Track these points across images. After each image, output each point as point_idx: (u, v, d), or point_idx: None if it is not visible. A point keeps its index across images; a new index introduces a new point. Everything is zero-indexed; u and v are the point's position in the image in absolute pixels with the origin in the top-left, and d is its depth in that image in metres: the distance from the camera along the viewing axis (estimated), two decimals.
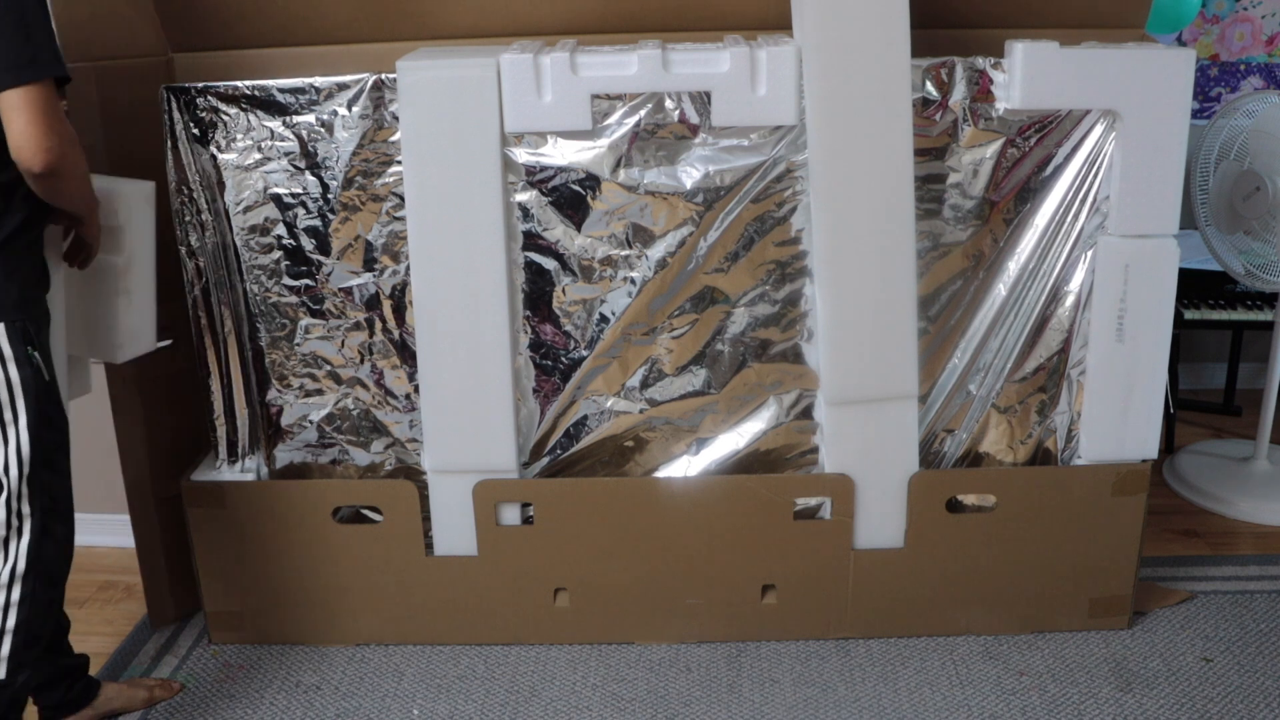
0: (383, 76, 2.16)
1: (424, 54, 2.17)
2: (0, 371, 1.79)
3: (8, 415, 1.80)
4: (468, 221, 2.17)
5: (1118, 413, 2.30)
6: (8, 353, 1.79)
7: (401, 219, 2.24)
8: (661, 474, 2.39)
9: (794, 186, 2.20)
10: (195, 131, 2.21)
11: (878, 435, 2.28)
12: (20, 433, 1.81)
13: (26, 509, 1.84)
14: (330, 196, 2.24)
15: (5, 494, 1.82)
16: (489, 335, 2.23)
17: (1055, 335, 2.31)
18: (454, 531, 2.35)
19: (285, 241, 2.27)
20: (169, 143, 2.22)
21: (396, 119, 2.17)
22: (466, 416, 2.28)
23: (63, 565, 1.93)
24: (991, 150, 2.19)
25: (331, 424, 2.39)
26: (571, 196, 2.21)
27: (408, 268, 2.26)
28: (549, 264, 2.25)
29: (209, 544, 2.38)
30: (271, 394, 2.38)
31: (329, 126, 2.19)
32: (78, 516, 2.88)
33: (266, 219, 2.26)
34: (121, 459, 2.43)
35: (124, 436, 2.42)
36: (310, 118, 2.19)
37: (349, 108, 2.18)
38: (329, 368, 2.35)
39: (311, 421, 2.39)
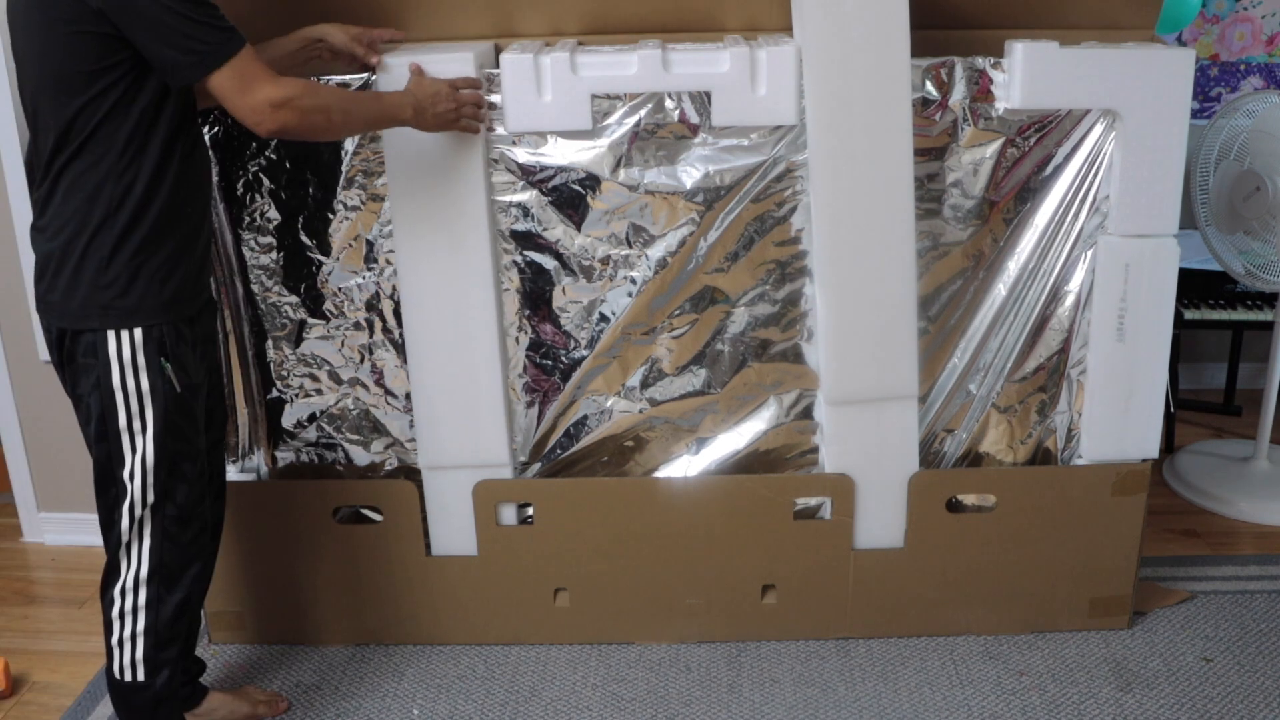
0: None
1: (406, 50, 2.17)
2: (132, 379, 1.77)
3: (136, 425, 1.79)
4: (452, 216, 2.17)
5: (1118, 412, 2.30)
6: (140, 361, 1.77)
7: None
8: (661, 474, 2.38)
9: (794, 186, 2.20)
10: None
11: (878, 435, 2.28)
12: (147, 443, 1.80)
13: (148, 516, 1.83)
14: (330, 196, 2.24)
15: (129, 500, 1.81)
16: (478, 331, 2.23)
17: (1055, 335, 2.31)
18: (450, 530, 2.36)
19: (285, 241, 2.27)
20: None
21: None
22: (458, 411, 2.28)
23: (188, 569, 1.91)
24: (991, 150, 2.19)
25: (332, 424, 2.39)
26: (571, 196, 2.21)
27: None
28: (549, 264, 2.25)
29: None
30: (272, 394, 2.38)
31: None
32: (80, 516, 2.92)
33: (266, 219, 2.26)
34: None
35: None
36: None
37: None
38: (329, 368, 2.35)
39: (312, 421, 2.39)
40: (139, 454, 1.80)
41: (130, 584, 1.85)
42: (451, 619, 2.44)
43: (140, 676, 1.86)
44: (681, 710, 2.26)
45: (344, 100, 1.85)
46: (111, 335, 1.75)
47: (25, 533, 3.02)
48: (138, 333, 1.76)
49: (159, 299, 1.78)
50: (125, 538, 1.84)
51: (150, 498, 1.82)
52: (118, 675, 1.88)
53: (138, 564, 1.84)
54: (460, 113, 2.04)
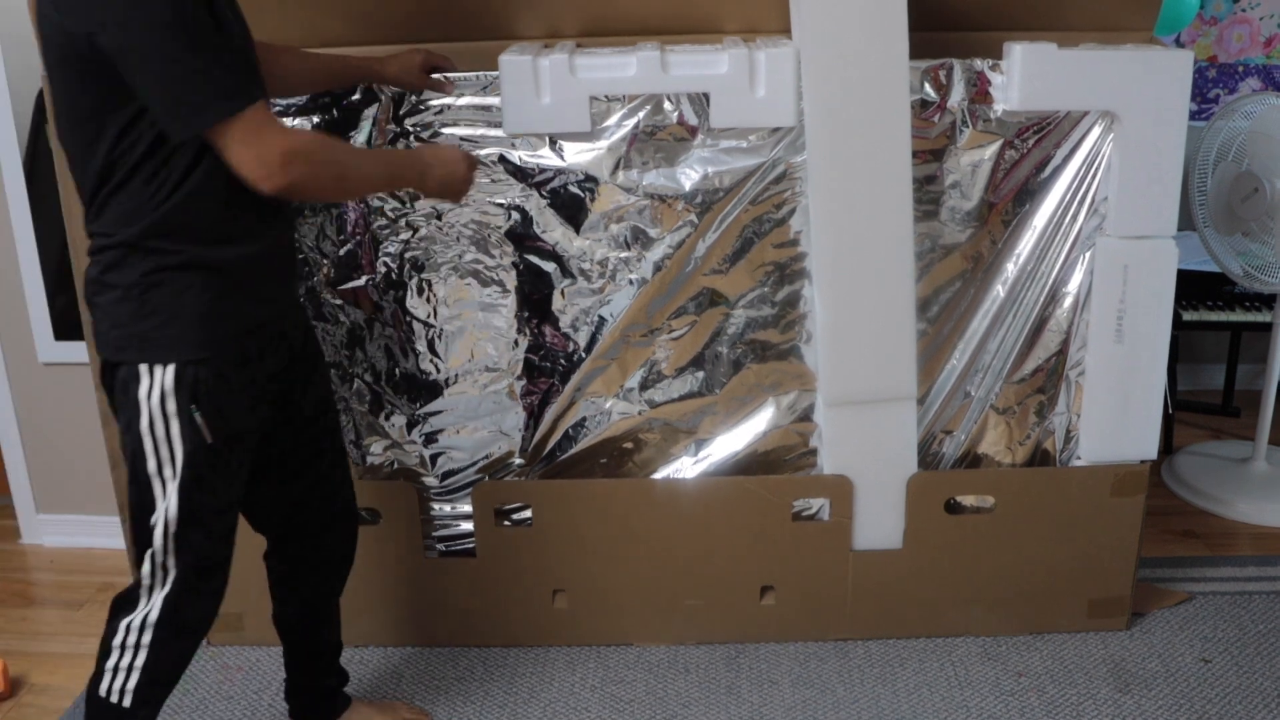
0: None
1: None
2: (161, 426, 1.66)
3: (167, 472, 1.68)
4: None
5: (1116, 414, 2.30)
6: (170, 407, 1.65)
7: (401, 220, 2.24)
8: (660, 475, 2.39)
9: (793, 188, 2.20)
10: None
11: (876, 436, 2.29)
12: (172, 493, 1.69)
13: (171, 563, 1.75)
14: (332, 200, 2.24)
15: (153, 548, 1.73)
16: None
17: (1054, 336, 2.31)
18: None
19: None
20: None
21: (400, 121, 2.18)
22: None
23: (203, 621, 1.83)
24: (990, 152, 2.19)
25: None
26: (570, 198, 2.21)
27: (409, 269, 2.26)
28: (548, 266, 2.25)
29: None
30: None
31: (330, 127, 2.19)
32: (79, 518, 2.92)
33: None
34: (111, 466, 2.43)
35: (114, 443, 2.40)
36: (312, 119, 2.19)
37: (351, 108, 2.18)
38: (330, 369, 2.35)
39: None
40: (166, 503, 1.71)
41: (139, 623, 1.77)
42: (450, 620, 2.44)
43: (125, 704, 1.79)
44: (680, 711, 2.26)
45: (356, 158, 1.73)
46: (145, 372, 1.64)
47: (24, 534, 3.01)
48: (169, 371, 1.64)
49: (203, 334, 1.65)
50: (147, 582, 1.77)
51: (172, 545, 1.74)
52: (102, 694, 1.81)
53: (150, 609, 1.77)
54: (463, 191, 1.88)
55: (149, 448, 1.67)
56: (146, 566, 1.75)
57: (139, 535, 1.75)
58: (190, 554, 1.75)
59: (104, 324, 1.68)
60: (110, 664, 1.79)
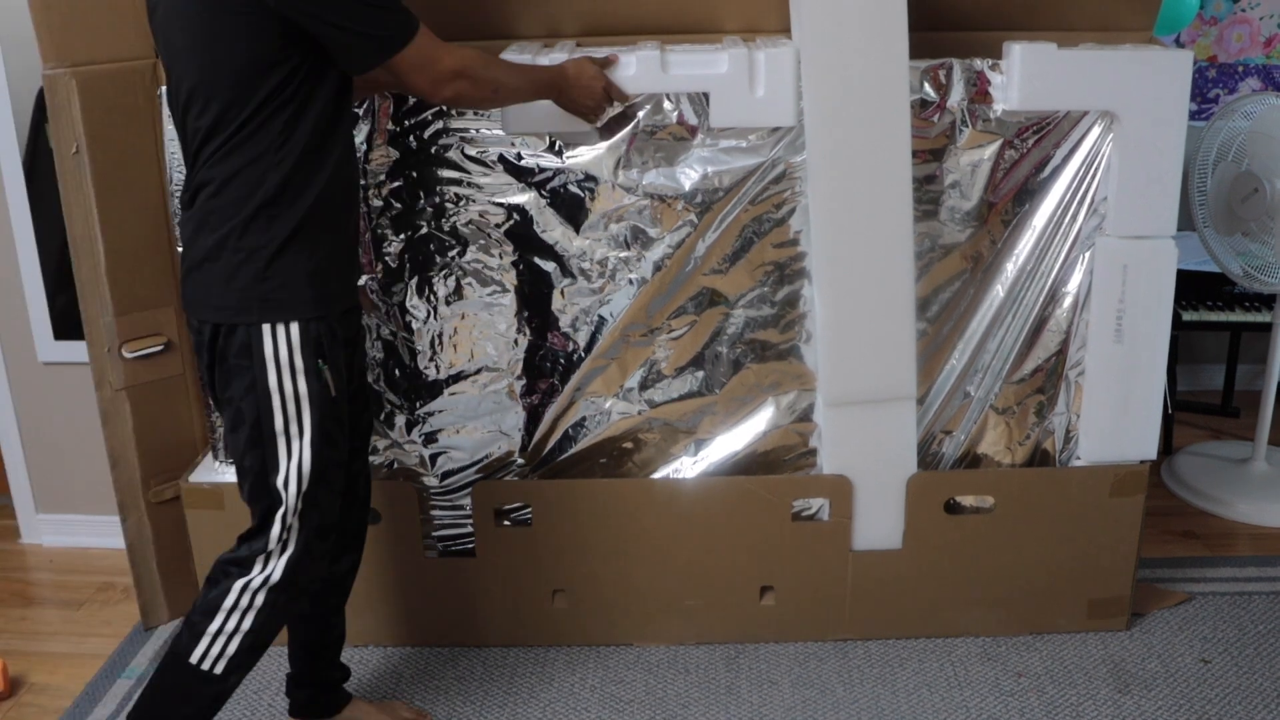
0: None
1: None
2: (289, 381, 1.71)
3: (293, 429, 1.72)
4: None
5: (1116, 414, 2.30)
6: (298, 363, 1.71)
7: (399, 219, 2.24)
8: (660, 475, 2.38)
9: (792, 188, 2.20)
10: None
11: (876, 437, 2.28)
12: (304, 449, 1.74)
13: (297, 525, 1.77)
14: None
15: (283, 509, 1.75)
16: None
17: (1053, 336, 2.31)
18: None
19: None
20: (167, 144, 2.22)
21: (400, 120, 2.18)
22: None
23: (314, 584, 1.87)
24: (989, 152, 2.19)
25: None
26: (570, 198, 2.21)
27: (409, 269, 2.26)
28: (548, 266, 2.25)
29: (207, 546, 2.38)
30: None
31: None
32: (79, 518, 2.92)
33: None
34: (111, 465, 2.43)
35: (113, 443, 2.42)
36: None
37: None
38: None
39: None
40: (294, 459, 1.74)
41: (257, 584, 1.78)
42: (450, 620, 2.44)
43: (217, 670, 1.79)
44: (679, 712, 2.26)
45: (509, 75, 1.88)
46: (267, 332, 1.69)
47: (23, 534, 3.01)
48: (294, 330, 1.70)
49: (317, 294, 1.73)
50: (270, 546, 1.78)
51: (300, 505, 1.76)
52: (193, 661, 1.78)
53: (272, 572, 1.78)
54: (596, 113, 2.08)
55: (276, 404, 1.71)
56: (275, 529, 1.77)
57: (261, 497, 1.77)
58: (316, 513, 1.79)
59: (218, 287, 1.70)
60: (214, 627, 1.78)
